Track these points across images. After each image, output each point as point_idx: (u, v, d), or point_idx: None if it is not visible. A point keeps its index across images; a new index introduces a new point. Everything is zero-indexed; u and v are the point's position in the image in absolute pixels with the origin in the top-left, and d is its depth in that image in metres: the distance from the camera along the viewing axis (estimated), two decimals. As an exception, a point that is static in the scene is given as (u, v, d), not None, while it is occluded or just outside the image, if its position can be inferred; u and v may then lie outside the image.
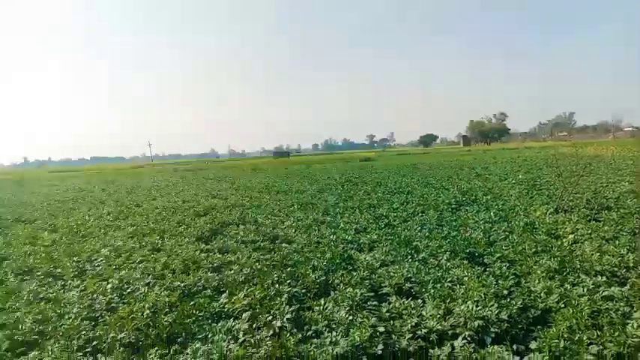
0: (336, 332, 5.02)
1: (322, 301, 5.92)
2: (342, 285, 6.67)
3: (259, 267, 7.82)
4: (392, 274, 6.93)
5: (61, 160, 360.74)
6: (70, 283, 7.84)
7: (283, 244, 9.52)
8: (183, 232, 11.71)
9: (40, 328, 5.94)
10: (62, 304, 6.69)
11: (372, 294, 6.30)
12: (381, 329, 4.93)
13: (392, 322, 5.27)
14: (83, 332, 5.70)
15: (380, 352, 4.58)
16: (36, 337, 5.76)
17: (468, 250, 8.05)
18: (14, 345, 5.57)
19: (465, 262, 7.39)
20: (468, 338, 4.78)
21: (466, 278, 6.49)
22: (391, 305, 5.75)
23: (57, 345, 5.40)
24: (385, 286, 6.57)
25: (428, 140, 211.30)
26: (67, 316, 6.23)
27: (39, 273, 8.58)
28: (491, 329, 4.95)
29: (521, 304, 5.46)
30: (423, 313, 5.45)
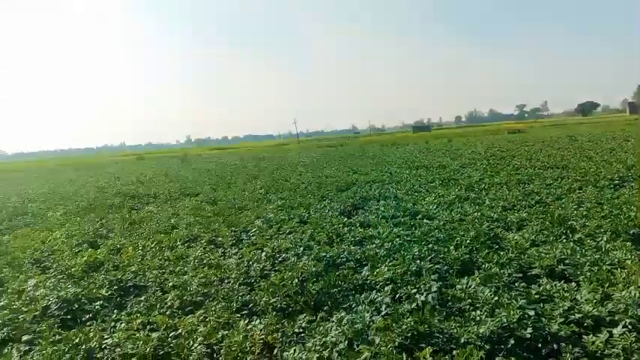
0: (481, 312, 4.91)
1: (465, 280, 5.82)
2: (486, 264, 6.47)
3: (400, 242, 7.89)
4: (543, 254, 6.53)
5: (219, 138, 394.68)
6: (228, 251, 8.67)
7: (424, 220, 9.46)
8: (327, 205, 12.20)
9: (205, 290, 6.68)
10: (222, 270, 7.44)
11: (520, 275, 6.02)
12: (531, 312, 4.71)
13: (542, 304, 5.01)
14: (241, 295, 6.31)
15: (528, 335, 4.40)
16: (201, 298, 6.50)
17: (632, 232, 7.26)
18: (183, 303, 6.37)
19: (629, 243, 6.68)
20: (629, 326, 4.38)
21: (629, 261, 5.89)
22: (541, 287, 5.45)
23: (219, 306, 6.05)
24: (535, 267, 6.23)
25: (587, 108, 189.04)
26: (226, 281, 6.94)
27: (202, 241, 9.61)
28: (659, 319, 4.46)
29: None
30: (578, 297, 5.08)
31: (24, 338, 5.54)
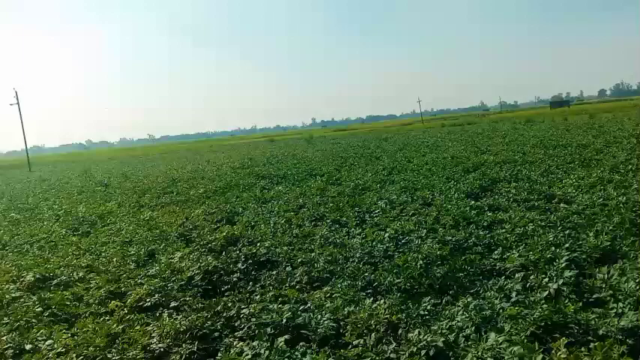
0: (623, 304, 4.51)
1: (606, 269, 5.36)
2: (632, 253, 5.89)
3: (533, 227, 7.47)
4: None
5: (341, 119, 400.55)
6: (353, 231, 8.87)
7: (561, 205, 8.83)
8: (452, 187, 11.89)
9: (330, 267, 6.93)
10: (347, 249, 7.64)
11: (674, 267, 5.39)
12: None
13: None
14: (365, 275, 6.45)
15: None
16: (327, 275, 6.76)
17: None
18: (311, 279, 6.67)
19: None
20: None
21: None
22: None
23: (344, 283, 6.25)
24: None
25: None
26: (351, 260, 7.13)
27: (328, 220, 9.92)
28: None
29: None
30: None
31: (172, 304, 6.23)
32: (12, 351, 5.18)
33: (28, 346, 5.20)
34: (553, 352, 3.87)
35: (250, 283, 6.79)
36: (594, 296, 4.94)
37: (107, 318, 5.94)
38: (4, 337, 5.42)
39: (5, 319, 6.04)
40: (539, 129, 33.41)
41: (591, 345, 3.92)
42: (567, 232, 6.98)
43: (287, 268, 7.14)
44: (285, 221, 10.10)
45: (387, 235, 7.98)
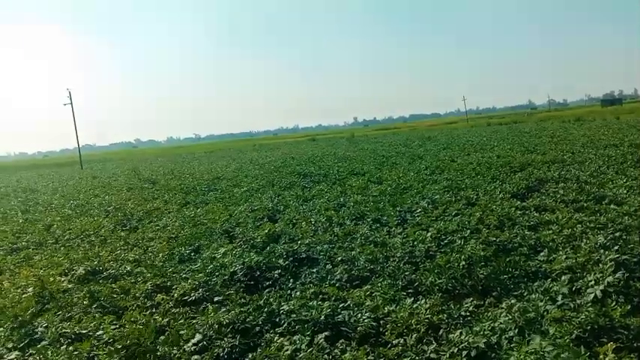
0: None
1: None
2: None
3: (581, 229, 7.23)
4: None
5: (383, 118, 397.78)
6: (393, 230, 8.82)
7: (611, 206, 8.49)
8: (497, 187, 11.63)
9: (371, 266, 6.92)
10: (388, 248, 7.61)
11: None
12: None
13: None
14: (405, 274, 6.41)
15: None
16: (367, 273, 6.75)
17: None
18: (351, 277, 6.68)
19: None
20: None
21: None
22: None
23: (384, 282, 6.24)
24: None
25: None
26: (391, 259, 7.10)
27: (368, 219, 9.89)
28: None
29: None
30: None
31: (215, 299, 6.38)
32: (64, 339, 5.46)
33: (84, 331, 5.48)
34: (600, 357, 3.74)
35: (291, 279, 6.87)
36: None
37: (153, 311, 6.16)
38: (58, 326, 5.70)
39: (57, 310, 6.35)
40: (590, 127, 32.20)
41: (641, 351, 3.78)
42: (617, 234, 6.72)
43: (327, 265, 7.18)
44: (325, 219, 10.14)
45: (429, 234, 7.88)
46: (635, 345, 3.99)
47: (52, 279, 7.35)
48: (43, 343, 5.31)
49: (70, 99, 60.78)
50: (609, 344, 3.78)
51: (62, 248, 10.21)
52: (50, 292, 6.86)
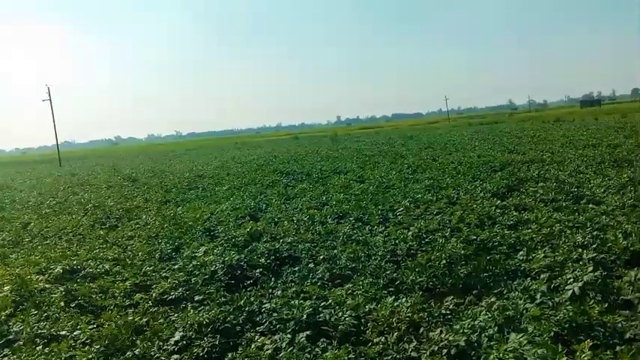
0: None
1: (634, 272, 5.23)
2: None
3: (560, 228, 7.32)
4: None
5: (366, 117, 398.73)
6: (375, 229, 8.83)
7: (590, 205, 8.63)
8: (478, 186, 11.74)
9: (352, 265, 6.91)
10: (369, 247, 7.61)
11: None
12: None
13: None
14: (387, 272, 6.43)
15: None
16: (349, 272, 6.75)
17: None
18: (333, 276, 6.67)
19: None
20: None
21: None
22: None
23: (366, 281, 6.24)
24: None
25: None
26: (373, 257, 7.10)
27: (351, 218, 9.89)
28: None
29: None
30: None
31: (196, 298, 6.31)
32: (40, 340, 5.34)
33: (61, 332, 5.38)
34: (577, 354, 3.79)
35: (272, 278, 6.83)
36: (621, 298, 4.82)
37: (132, 310, 6.07)
38: (34, 326, 5.59)
39: (34, 309, 6.22)
40: (569, 128, 32.70)
41: (617, 348, 3.84)
42: (595, 233, 6.83)
43: (309, 264, 7.16)
44: (308, 218, 10.11)
45: (410, 233, 7.92)
46: (611, 342, 4.05)
47: (28, 278, 7.21)
48: (18, 343, 5.20)
49: (49, 95, 59.81)
50: (586, 342, 3.83)
51: (39, 247, 10.00)
52: (27, 291, 6.73)
